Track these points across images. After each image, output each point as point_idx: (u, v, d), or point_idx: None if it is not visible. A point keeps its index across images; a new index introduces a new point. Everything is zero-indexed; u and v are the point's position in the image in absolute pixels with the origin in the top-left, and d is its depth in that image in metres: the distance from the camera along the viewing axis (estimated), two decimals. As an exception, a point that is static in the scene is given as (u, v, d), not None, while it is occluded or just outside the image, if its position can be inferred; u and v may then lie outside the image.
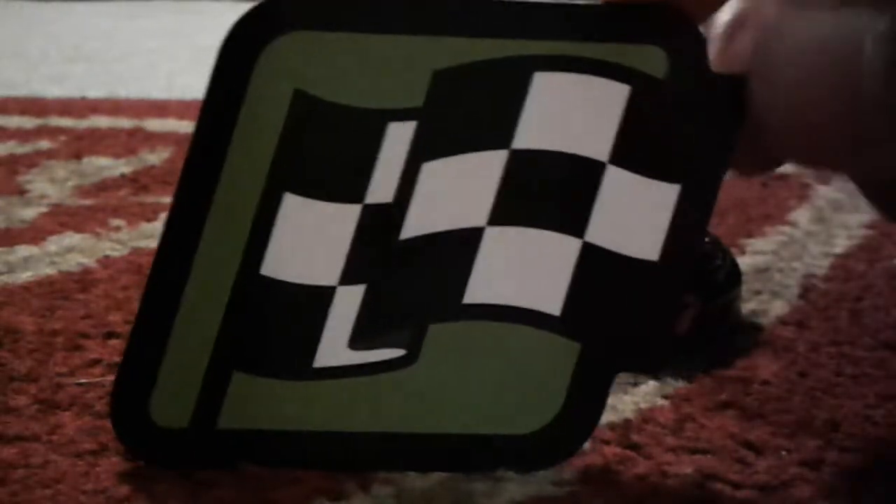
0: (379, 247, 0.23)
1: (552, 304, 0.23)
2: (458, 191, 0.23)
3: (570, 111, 0.23)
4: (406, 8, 0.23)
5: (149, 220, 0.46)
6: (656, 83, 0.23)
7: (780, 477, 0.24)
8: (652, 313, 0.23)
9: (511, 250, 0.23)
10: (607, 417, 0.26)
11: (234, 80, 0.22)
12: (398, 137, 0.23)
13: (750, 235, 0.44)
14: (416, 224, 0.23)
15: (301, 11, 0.23)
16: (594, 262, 0.23)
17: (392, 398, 0.23)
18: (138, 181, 0.55)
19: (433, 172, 0.23)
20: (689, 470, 0.24)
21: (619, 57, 0.23)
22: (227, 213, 0.23)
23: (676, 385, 0.29)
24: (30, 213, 0.47)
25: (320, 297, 0.23)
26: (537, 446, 0.24)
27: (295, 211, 0.23)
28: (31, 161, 0.59)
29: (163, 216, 0.47)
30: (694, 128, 0.23)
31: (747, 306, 0.35)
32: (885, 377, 0.30)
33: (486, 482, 0.23)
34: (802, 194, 0.50)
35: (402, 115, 0.23)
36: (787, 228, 0.46)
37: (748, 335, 0.33)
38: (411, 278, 0.23)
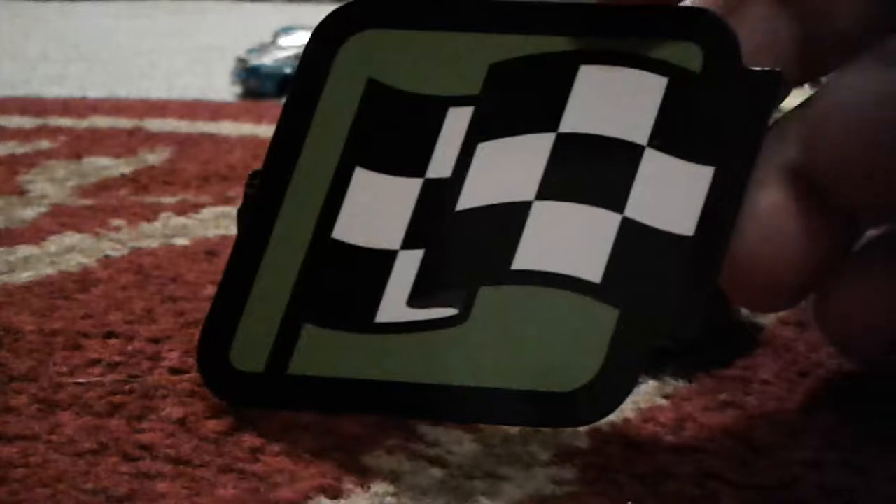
0: (437, 217, 0.26)
1: (593, 272, 0.25)
2: (509, 168, 0.26)
3: (613, 100, 0.25)
4: (465, 9, 0.27)
5: (149, 220, 0.46)
6: (692, 76, 0.25)
7: (780, 477, 0.24)
8: (687, 284, 0.25)
9: (556, 222, 0.25)
10: (607, 417, 0.26)
11: (316, 71, 0.27)
12: (457, 120, 0.26)
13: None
14: (471, 197, 0.26)
15: (373, 13, 0.27)
16: (632, 235, 0.25)
17: (444, 353, 0.25)
18: (138, 181, 0.55)
19: (487, 152, 0.26)
20: (689, 470, 0.24)
21: (657, 52, 0.26)
22: (305, 183, 0.26)
23: (676, 385, 0.29)
24: (30, 213, 0.47)
25: (383, 260, 0.26)
26: (577, 404, 0.25)
27: (364, 183, 0.26)
28: (31, 161, 0.59)
29: (163, 216, 0.47)
30: (727, 116, 0.25)
31: (747, 306, 0.35)
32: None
33: (486, 481, 0.23)
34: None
35: (460, 102, 0.26)
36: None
37: (748, 335, 0.33)
38: (465, 245, 0.26)
